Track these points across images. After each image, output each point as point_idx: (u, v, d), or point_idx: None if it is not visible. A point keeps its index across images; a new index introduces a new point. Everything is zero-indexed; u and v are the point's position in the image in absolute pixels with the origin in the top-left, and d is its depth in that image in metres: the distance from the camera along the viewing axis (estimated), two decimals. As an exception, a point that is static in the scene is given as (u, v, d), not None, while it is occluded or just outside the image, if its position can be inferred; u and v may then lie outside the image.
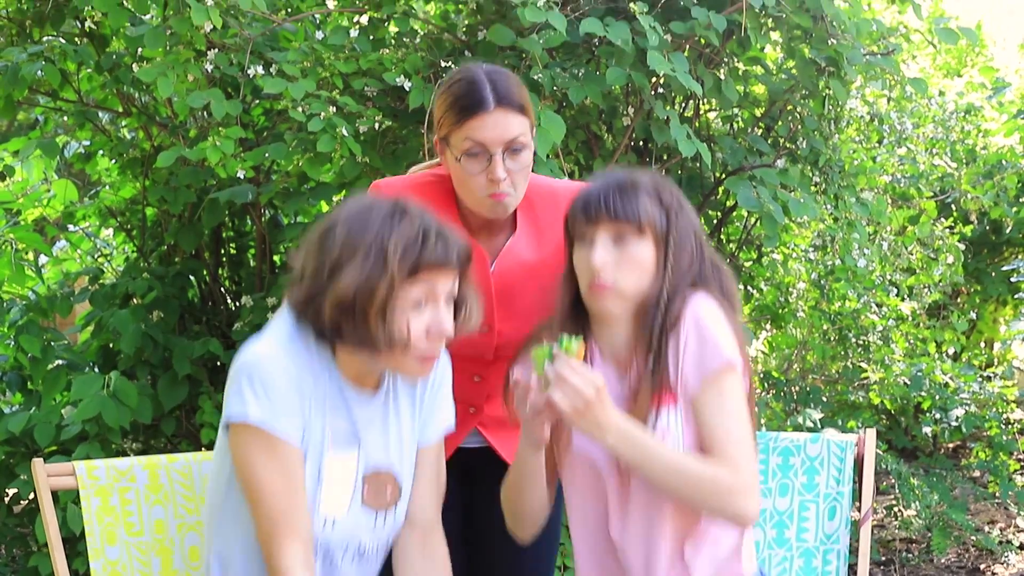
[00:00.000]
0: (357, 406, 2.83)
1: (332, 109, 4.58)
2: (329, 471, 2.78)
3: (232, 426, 2.71)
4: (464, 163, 3.11)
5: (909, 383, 7.42)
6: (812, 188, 5.58)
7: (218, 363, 5.65)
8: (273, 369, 2.68)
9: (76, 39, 5.43)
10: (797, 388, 7.38)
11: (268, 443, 2.66)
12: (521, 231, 3.27)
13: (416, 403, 2.98)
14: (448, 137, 3.14)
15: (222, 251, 6.05)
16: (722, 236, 6.08)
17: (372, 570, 2.94)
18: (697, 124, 5.56)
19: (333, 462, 2.79)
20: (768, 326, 7.67)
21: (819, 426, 6.83)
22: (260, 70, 4.72)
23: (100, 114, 5.82)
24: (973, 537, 6.90)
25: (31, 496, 5.20)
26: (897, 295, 7.79)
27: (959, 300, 9.31)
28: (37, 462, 3.28)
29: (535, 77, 4.56)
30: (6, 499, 5.51)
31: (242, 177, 4.78)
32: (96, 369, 5.61)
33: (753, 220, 5.84)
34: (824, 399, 7.33)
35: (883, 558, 6.96)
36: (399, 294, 2.65)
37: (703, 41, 4.92)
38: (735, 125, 5.78)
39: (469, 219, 3.27)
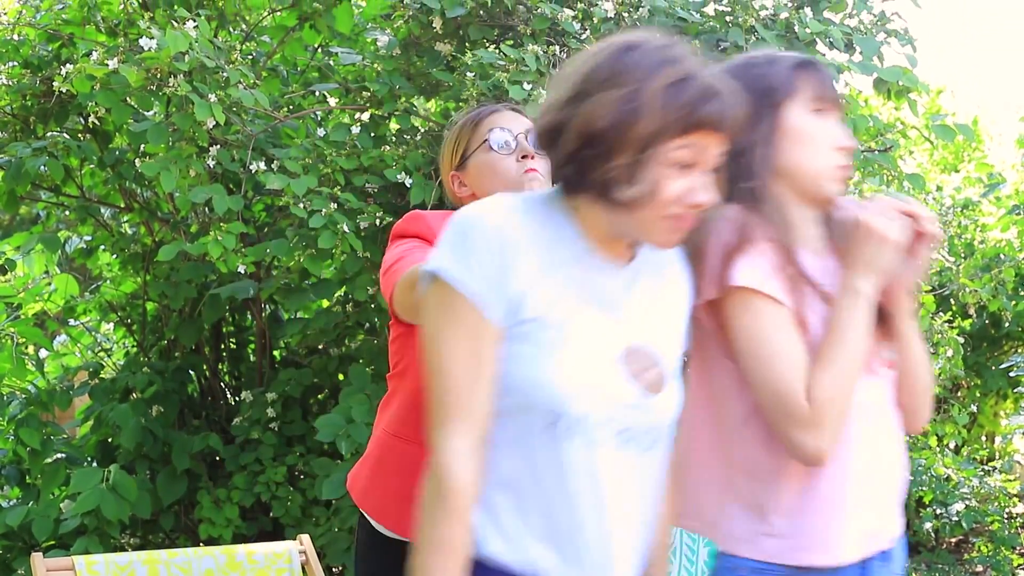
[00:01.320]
0: (607, 272, 2.40)
1: (333, 206, 4.61)
2: (578, 332, 2.33)
3: (429, 288, 2.33)
4: (492, 145, 3.16)
5: (910, 477, 7.40)
6: (811, 282, 5.59)
7: (217, 458, 5.64)
8: (484, 228, 2.28)
9: (79, 135, 5.47)
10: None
11: (458, 304, 2.27)
12: None
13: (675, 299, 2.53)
14: (468, 143, 3.20)
15: (222, 346, 6.06)
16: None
17: (645, 466, 2.42)
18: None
19: (583, 324, 2.34)
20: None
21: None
22: (262, 166, 4.75)
23: (102, 209, 5.86)
24: (977, 634, 6.86)
25: (28, 592, 5.18)
26: (897, 389, 7.77)
27: (959, 394, 9.30)
28: (36, 556, 3.27)
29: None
30: (3, 595, 5.49)
31: (243, 272, 4.80)
32: (95, 463, 5.60)
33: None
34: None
35: (886, 655, 6.90)
36: (662, 145, 2.25)
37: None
38: (734, 220, 5.80)
39: None
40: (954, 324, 8.26)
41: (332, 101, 5.63)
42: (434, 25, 4.95)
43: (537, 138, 2.36)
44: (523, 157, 3.13)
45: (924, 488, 7.48)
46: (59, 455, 5.48)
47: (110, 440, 5.67)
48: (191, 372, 5.88)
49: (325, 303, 5.87)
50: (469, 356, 2.27)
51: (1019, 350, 9.04)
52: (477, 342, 2.27)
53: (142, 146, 5.27)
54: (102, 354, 6.38)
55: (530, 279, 2.29)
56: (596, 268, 2.37)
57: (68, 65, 4.84)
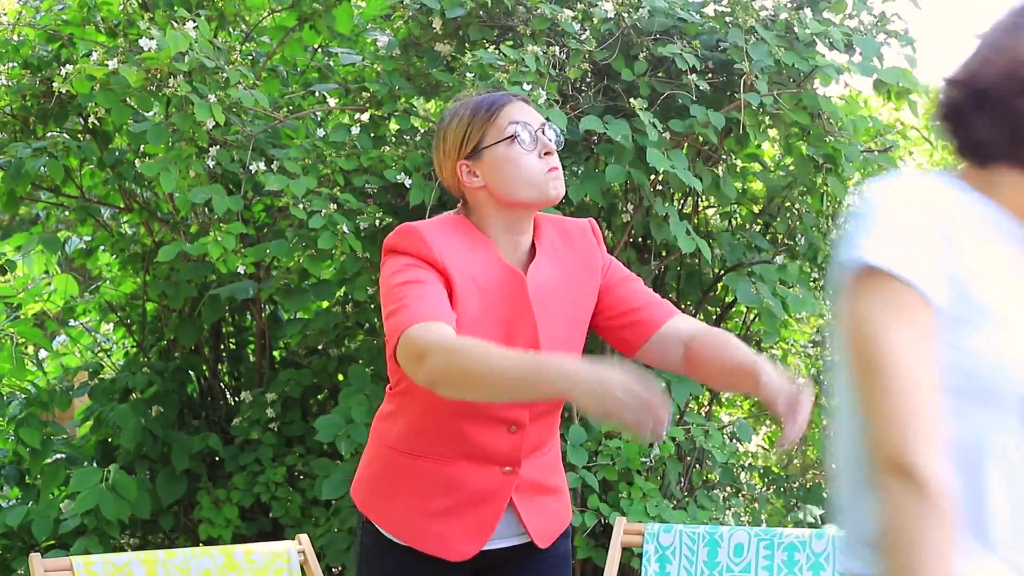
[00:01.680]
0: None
1: (333, 206, 4.61)
2: None
3: (846, 284, 2.06)
4: (518, 140, 3.06)
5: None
6: (811, 284, 5.59)
7: (216, 458, 5.64)
8: (922, 207, 2.03)
9: (79, 135, 5.47)
10: (797, 484, 7.36)
11: (901, 295, 1.99)
12: (541, 253, 3.22)
13: None
14: (485, 134, 3.10)
15: (222, 346, 6.06)
16: (721, 331, 6.07)
17: None
18: (696, 220, 5.59)
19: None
20: (768, 422, 7.65)
21: (820, 522, 6.80)
22: (262, 166, 4.75)
23: (102, 210, 5.86)
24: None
25: (27, 592, 5.18)
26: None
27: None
28: (34, 557, 3.27)
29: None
30: (2, 595, 5.49)
31: (243, 273, 4.80)
32: (95, 463, 5.60)
33: (752, 316, 5.85)
34: (825, 495, 7.31)
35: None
36: None
37: (701, 139, 4.95)
38: (734, 221, 5.81)
39: (500, 243, 3.20)
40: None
41: (332, 102, 5.64)
42: (434, 26, 4.95)
43: (950, 105, 2.12)
44: (545, 154, 3.07)
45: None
46: (59, 455, 5.49)
47: (110, 440, 5.68)
48: (191, 372, 5.88)
49: (325, 304, 5.87)
50: (922, 352, 1.99)
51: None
52: (926, 335, 2.00)
53: (142, 146, 5.28)
54: (102, 354, 6.38)
55: (974, 258, 2.04)
56: (1018, 244, 2.14)
57: (68, 65, 4.84)
